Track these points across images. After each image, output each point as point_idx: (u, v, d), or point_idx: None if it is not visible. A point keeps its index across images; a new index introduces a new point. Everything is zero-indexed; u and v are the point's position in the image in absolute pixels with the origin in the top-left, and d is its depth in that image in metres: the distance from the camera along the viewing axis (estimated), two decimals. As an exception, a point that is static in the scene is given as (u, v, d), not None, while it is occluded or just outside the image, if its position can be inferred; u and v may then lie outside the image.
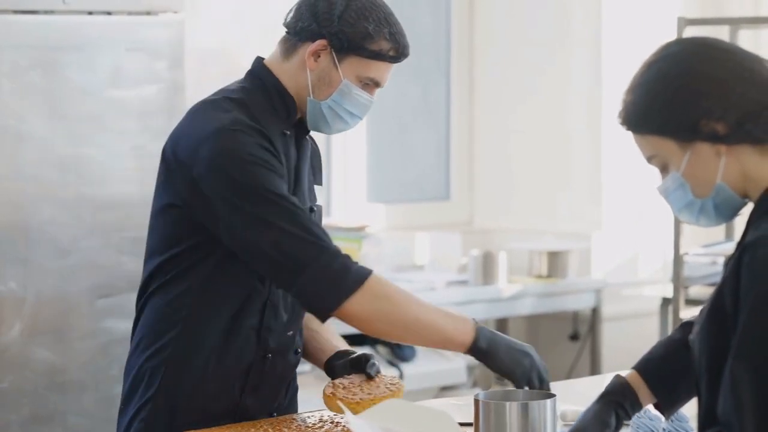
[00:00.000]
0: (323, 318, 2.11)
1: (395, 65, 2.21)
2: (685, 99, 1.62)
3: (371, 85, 2.20)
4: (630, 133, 1.70)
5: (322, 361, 2.32)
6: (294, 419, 2.26)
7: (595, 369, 4.81)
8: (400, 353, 4.40)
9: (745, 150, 1.63)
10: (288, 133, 2.21)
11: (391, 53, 2.18)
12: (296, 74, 2.20)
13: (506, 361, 2.09)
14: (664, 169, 1.68)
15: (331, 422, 2.22)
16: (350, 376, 2.25)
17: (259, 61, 2.27)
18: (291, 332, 2.26)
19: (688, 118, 1.62)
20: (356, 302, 2.06)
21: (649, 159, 1.68)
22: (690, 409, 1.90)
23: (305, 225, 2.07)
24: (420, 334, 2.12)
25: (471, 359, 5.05)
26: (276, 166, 2.11)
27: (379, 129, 5.04)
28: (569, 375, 4.80)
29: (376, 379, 2.23)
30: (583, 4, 4.97)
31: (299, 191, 2.22)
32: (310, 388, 4.08)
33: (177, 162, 2.16)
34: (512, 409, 1.97)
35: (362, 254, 4.22)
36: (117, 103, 3.27)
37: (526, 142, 5.12)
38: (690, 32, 4.17)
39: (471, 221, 5.25)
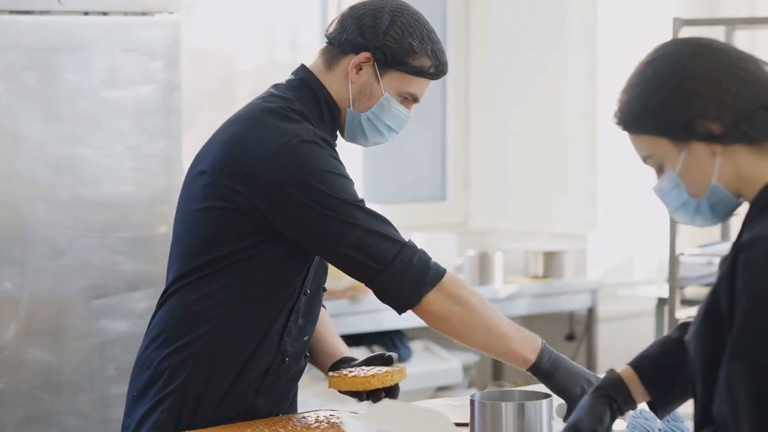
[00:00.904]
0: (401, 311, 2.18)
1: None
2: (681, 99, 1.62)
3: (410, 99, 2.24)
4: (625, 134, 1.70)
5: (326, 364, 2.35)
6: (290, 419, 2.26)
7: (591, 369, 4.73)
8: (396, 354, 4.41)
9: (741, 150, 1.63)
10: (336, 144, 2.25)
11: (431, 70, 2.21)
12: (339, 85, 2.23)
13: (565, 381, 2.12)
14: (659, 169, 1.68)
15: (328, 422, 2.22)
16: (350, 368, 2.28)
17: (306, 70, 2.27)
18: (306, 337, 2.29)
19: (684, 118, 1.62)
20: (435, 298, 2.14)
21: (645, 159, 1.68)
22: (686, 409, 1.90)
23: (383, 225, 2.15)
24: (488, 342, 2.16)
25: (467, 360, 5.04)
26: (347, 174, 2.18)
27: None
28: None
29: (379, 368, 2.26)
30: (579, 5, 4.97)
31: None
32: (307, 388, 4.10)
33: (237, 167, 2.16)
34: (508, 410, 1.98)
35: None
36: (112, 103, 3.27)
37: (521, 143, 5.12)
38: (686, 33, 4.18)
39: (467, 222, 5.26)
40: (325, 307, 2.42)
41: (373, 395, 2.22)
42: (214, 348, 2.19)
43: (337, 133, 2.28)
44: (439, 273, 2.15)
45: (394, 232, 2.16)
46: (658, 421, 2.09)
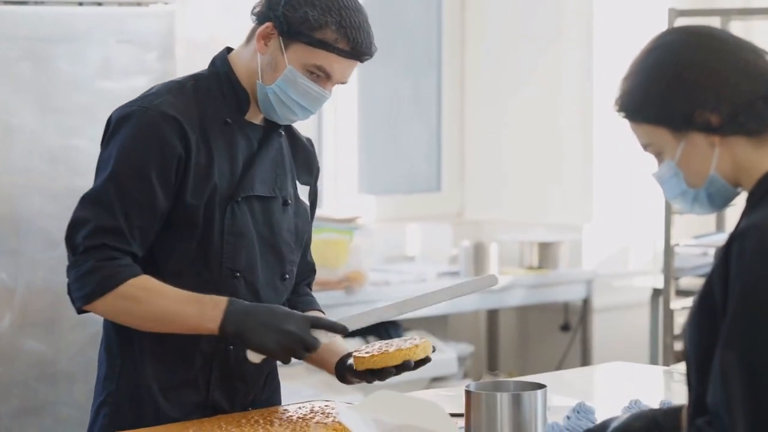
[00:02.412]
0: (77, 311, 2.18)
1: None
2: (680, 89, 1.62)
3: (323, 77, 2.18)
4: (623, 122, 1.70)
5: (331, 361, 2.30)
6: (274, 411, 2.25)
7: (586, 360, 4.82)
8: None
9: (739, 141, 1.63)
10: (230, 121, 2.21)
11: (340, 45, 2.15)
12: (250, 59, 2.22)
13: (257, 341, 2.10)
14: (659, 157, 1.68)
15: (322, 413, 2.23)
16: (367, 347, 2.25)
17: (225, 49, 2.28)
18: None
19: (683, 108, 1.62)
20: (103, 301, 2.13)
21: (645, 147, 1.69)
22: (680, 400, 1.88)
23: (106, 217, 2.12)
24: (167, 326, 2.15)
25: (462, 350, 5.04)
26: (153, 157, 2.14)
27: (371, 121, 5.05)
28: (560, 366, 4.82)
29: (400, 342, 2.22)
30: None
31: (246, 180, 2.21)
32: (301, 379, 4.11)
33: None
34: (503, 400, 1.98)
35: (353, 245, 4.23)
36: (107, 94, 3.26)
37: (516, 134, 5.13)
38: (681, 23, 4.18)
39: (462, 213, 5.26)
40: (323, 312, 2.41)
41: (401, 369, 2.18)
42: (155, 339, 2.19)
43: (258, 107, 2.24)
44: (113, 281, 2.13)
45: (120, 225, 2.13)
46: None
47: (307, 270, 2.43)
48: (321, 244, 4.15)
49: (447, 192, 5.26)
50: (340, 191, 4.92)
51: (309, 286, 2.46)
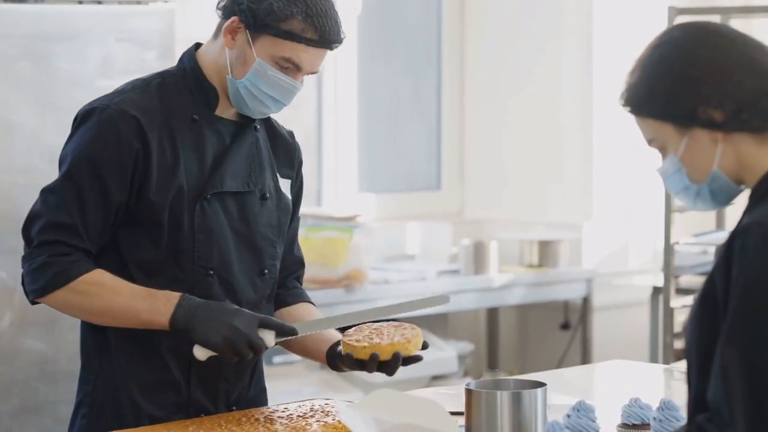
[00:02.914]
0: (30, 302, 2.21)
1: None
2: (685, 86, 1.62)
3: (292, 68, 2.16)
4: (628, 116, 1.70)
5: (322, 350, 2.28)
6: (261, 412, 2.24)
7: (586, 358, 4.83)
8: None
9: (742, 138, 1.63)
10: (197, 117, 2.20)
11: (307, 35, 2.14)
12: (219, 54, 2.20)
13: (204, 337, 2.10)
14: (663, 152, 1.69)
15: (322, 411, 2.23)
16: (360, 329, 2.22)
17: (194, 45, 2.27)
18: None
19: (687, 104, 1.63)
20: (55, 296, 2.15)
21: (649, 142, 1.69)
22: (680, 399, 1.90)
23: (57, 213, 2.13)
24: (119, 320, 2.16)
25: (462, 349, 5.04)
26: (108, 154, 2.14)
27: (371, 120, 5.05)
28: (560, 364, 4.83)
29: (390, 329, 2.20)
30: None
31: (215, 177, 2.20)
32: (301, 378, 4.12)
33: None
34: (503, 398, 1.99)
35: (353, 244, 4.23)
36: (107, 92, 3.26)
37: (516, 133, 5.13)
38: (680, 21, 4.18)
39: (462, 211, 5.27)
40: (313, 303, 2.40)
41: (386, 367, 2.15)
42: (130, 339, 2.19)
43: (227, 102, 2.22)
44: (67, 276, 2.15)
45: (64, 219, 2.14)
46: (653, 409, 2.12)
47: (296, 264, 2.41)
48: (321, 242, 4.17)
49: (447, 191, 5.27)
50: (341, 190, 4.92)
51: (298, 279, 2.43)
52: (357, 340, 2.17)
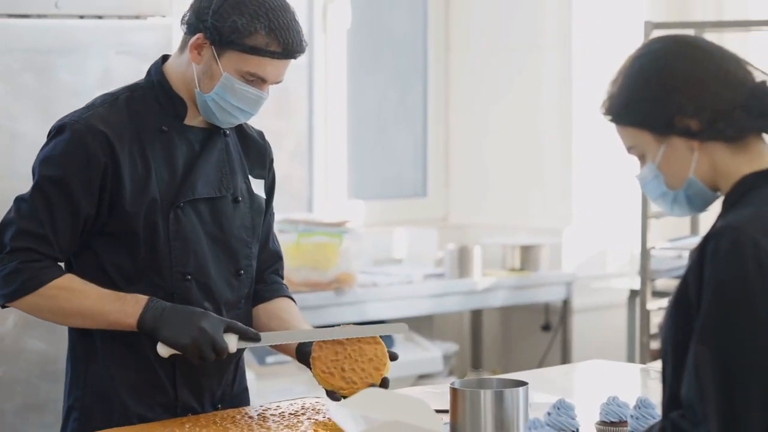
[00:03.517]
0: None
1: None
2: (662, 95, 1.65)
3: (258, 80, 2.17)
4: (603, 126, 1.75)
5: (291, 347, 2.31)
6: (254, 409, 2.26)
7: (565, 358, 4.83)
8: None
9: (717, 147, 1.65)
10: (166, 129, 2.22)
11: (272, 48, 2.15)
12: (186, 68, 2.21)
13: (170, 336, 2.13)
14: (642, 159, 1.71)
15: (313, 409, 2.26)
16: (332, 342, 2.22)
17: (161, 57, 2.28)
18: None
19: (664, 113, 1.65)
20: (25, 300, 2.19)
21: (629, 149, 1.71)
22: (656, 397, 1.94)
23: (28, 221, 2.16)
24: (88, 322, 2.20)
25: (447, 349, 5.08)
26: (76, 168, 2.16)
27: (360, 128, 5.05)
28: (541, 364, 4.84)
29: (361, 352, 2.21)
30: (555, 9, 4.98)
31: (186, 185, 2.22)
32: (293, 377, 4.14)
33: None
34: (486, 397, 2.02)
35: (343, 248, 4.24)
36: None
37: (499, 142, 5.12)
38: (656, 35, 4.22)
39: (447, 217, 5.26)
40: (293, 299, 2.41)
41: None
42: (115, 342, 2.23)
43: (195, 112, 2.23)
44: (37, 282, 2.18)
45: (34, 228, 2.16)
46: (630, 407, 2.14)
47: (273, 257, 2.41)
48: (312, 246, 4.17)
49: (432, 197, 5.26)
50: (330, 196, 4.91)
51: (277, 273, 2.43)
52: (330, 370, 2.19)
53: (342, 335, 2.20)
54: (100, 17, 3.30)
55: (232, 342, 2.17)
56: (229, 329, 2.16)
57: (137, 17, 3.35)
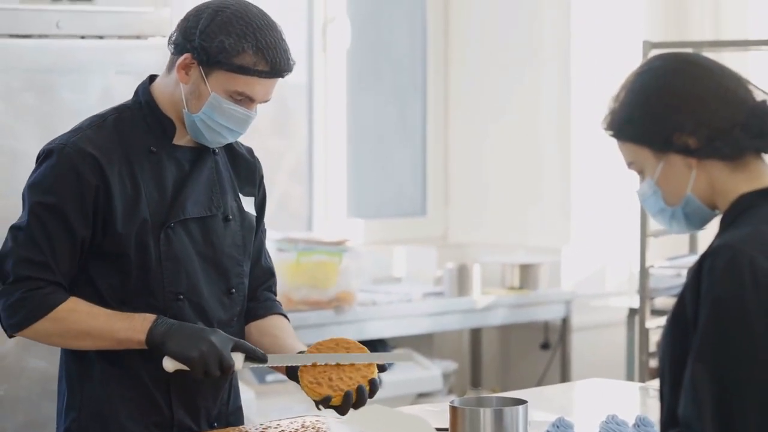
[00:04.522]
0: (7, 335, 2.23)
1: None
2: (662, 112, 1.66)
3: (246, 99, 2.17)
4: (602, 145, 1.78)
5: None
6: (255, 428, 2.27)
7: (565, 377, 4.84)
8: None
9: (715, 165, 1.67)
10: (154, 149, 2.22)
11: (259, 67, 2.14)
12: (173, 88, 2.20)
13: (179, 349, 2.13)
14: (641, 175, 1.73)
15: (313, 428, 2.27)
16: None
17: (149, 78, 2.28)
18: None
19: (663, 130, 1.66)
20: (35, 327, 2.19)
21: (629, 165, 1.73)
22: (655, 415, 1.94)
23: (36, 242, 2.16)
24: (98, 342, 2.19)
25: (446, 368, 5.06)
26: (68, 192, 2.16)
27: (359, 147, 5.06)
28: (540, 382, 4.85)
29: (349, 368, 2.19)
30: (553, 28, 5.00)
31: (176, 205, 2.22)
32: (293, 396, 4.15)
33: None
34: (486, 415, 2.04)
35: (343, 267, 4.25)
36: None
37: (498, 160, 5.14)
38: (661, 53, 4.23)
39: (446, 236, 5.27)
40: (286, 316, 2.40)
41: (341, 408, 2.13)
42: (111, 363, 2.23)
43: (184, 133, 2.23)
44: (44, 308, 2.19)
45: (32, 255, 2.16)
46: (629, 425, 2.15)
47: (265, 274, 2.41)
48: (312, 265, 4.18)
49: (432, 216, 5.27)
50: (330, 215, 4.92)
51: (270, 290, 2.42)
52: (317, 380, 2.16)
53: (346, 361, 2.18)
54: (100, 37, 3.33)
55: (238, 360, 2.17)
56: (237, 348, 2.17)
57: (137, 37, 3.38)
